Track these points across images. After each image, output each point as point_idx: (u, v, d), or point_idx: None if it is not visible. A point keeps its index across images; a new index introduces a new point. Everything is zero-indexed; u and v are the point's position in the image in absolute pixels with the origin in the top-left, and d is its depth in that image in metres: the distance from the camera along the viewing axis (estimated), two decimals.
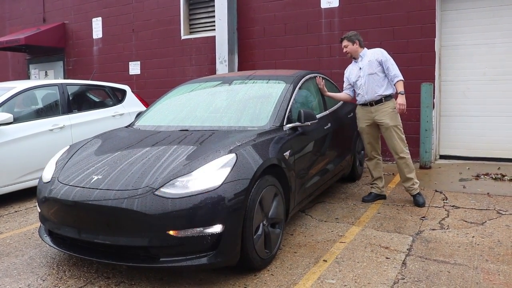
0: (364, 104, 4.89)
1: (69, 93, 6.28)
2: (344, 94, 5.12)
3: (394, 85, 4.74)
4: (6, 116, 5.20)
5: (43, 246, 3.88)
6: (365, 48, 4.93)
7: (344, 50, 4.93)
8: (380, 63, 4.75)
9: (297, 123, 4.00)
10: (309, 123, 4.00)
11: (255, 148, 3.35)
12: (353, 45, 4.86)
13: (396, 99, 4.69)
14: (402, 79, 4.73)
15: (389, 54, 4.86)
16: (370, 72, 4.76)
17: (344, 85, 5.11)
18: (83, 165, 3.44)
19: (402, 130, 4.82)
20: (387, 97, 4.78)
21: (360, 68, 4.85)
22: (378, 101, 4.78)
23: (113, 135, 4.15)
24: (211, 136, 3.63)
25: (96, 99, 7.04)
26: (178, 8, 9.45)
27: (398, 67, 4.77)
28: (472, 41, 6.94)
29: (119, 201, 2.90)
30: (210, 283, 3.09)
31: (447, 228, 4.08)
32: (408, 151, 4.83)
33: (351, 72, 5.00)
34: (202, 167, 3.04)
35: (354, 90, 5.01)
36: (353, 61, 5.01)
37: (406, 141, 4.84)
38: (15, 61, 12.64)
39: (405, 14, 7.12)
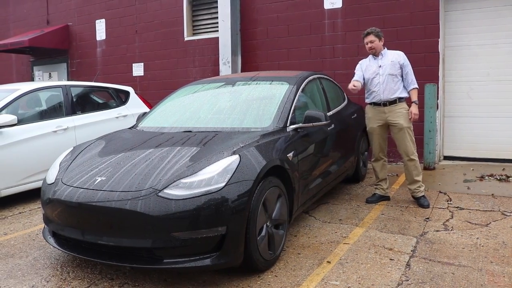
0: (377, 104, 4.84)
1: (73, 95, 6.29)
2: (357, 82, 4.84)
3: (409, 91, 4.76)
4: (10, 118, 5.21)
5: (47, 248, 3.89)
6: (385, 47, 4.88)
7: (369, 46, 4.79)
8: (401, 66, 4.74)
9: (300, 124, 3.99)
10: (312, 124, 3.98)
11: (259, 149, 3.35)
12: (379, 41, 4.79)
13: (408, 105, 4.70)
14: (417, 87, 4.77)
15: None
16: (391, 72, 4.72)
17: (355, 76, 4.91)
18: (86, 167, 3.45)
19: (413, 131, 4.81)
20: (401, 99, 4.77)
21: (380, 66, 4.78)
22: (392, 102, 4.75)
23: (117, 137, 4.16)
24: (214, 137, 3.63)
25: (100, 101, 7.06)
26: (181, 10, 9.46)
27: None
28: (476, 41, 6.92)
29: (122, 203, 2.91)
30: (213, 284, 3.09)
31: (451, 230, 4.06)
32: (417, 154, 4.82)
33: (368, 68, 4.88)
34: (206, 168, 3.04)
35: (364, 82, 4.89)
36: (370, 57, 4.92)
37: (415, 144, 4.82)
38: (19, 63, 12.69)
39: (409, 15, 7.11)
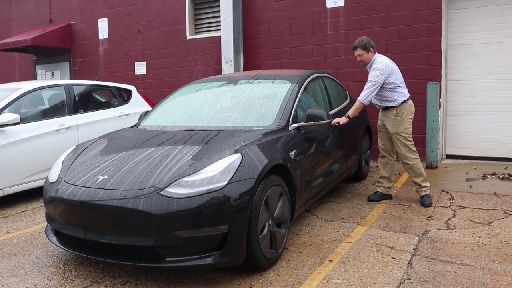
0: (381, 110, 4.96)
1: (75, 94, 6.30)
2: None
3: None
4: (13, 116, 5.23)
5: (49, 246, 3.90)
6: (376, 53, 4.79)
7: (358, 59, 4.79)
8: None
9: (302, 123, 3.99)
10: (313, 122, 3.98)
11: (261, 148, 3.35)
12: (368, 53, 4.72)
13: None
14: (363, 103, 4.60)
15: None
16: None
17: None
18: (89, 165, 3.46)
19: (407, 137, 4.74)
20: (392, 107, 4.74)
21: (367, 79, 4.81)
22: (384, 108, 4.83)
23: (119, 135, 4.16)
24: (216, 136, 3.63)
25: (102, 100, 7.07)
26: (184, 8, 9.46)
27: (403, 67, 4.70)
28: (479, 40, 6.90)
29: (124, 201, 2.91)
30: (215, 282, 3.09)
31: (454, 228, 4.06)
32: (415, 157, 4.77)
33: None
34: (208, 167, 3.04)
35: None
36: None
37: (412, 147, 4.77)
38: (22, 62, 12.72)
39: (411, 14, 7.09)
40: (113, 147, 3.79)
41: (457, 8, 7.02)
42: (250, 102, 4.29)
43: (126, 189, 2.99)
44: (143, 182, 3.02)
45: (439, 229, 4.04)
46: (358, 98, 4.65)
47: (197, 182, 2.94)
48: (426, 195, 4.84)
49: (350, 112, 4.66)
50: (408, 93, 4.81)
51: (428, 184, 4.88)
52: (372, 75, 4.63)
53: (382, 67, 4.62)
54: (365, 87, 4.64)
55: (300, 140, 3.91)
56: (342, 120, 4.61)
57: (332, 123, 4.57)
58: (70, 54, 11.47)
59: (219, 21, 8.82)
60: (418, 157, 4.83)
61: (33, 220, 4.79)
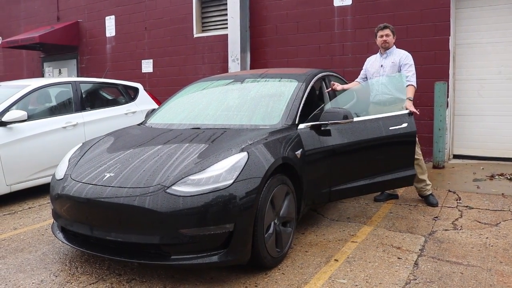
0: (377, 103, 4.84)
1: (82, 91, 6.33)
2: (355, 83, 5.11)
3: (406, 87, 4.63)
4: (20, 113, 5.25)
5: (56, 243, 3.92)
6: (394, 46, 4.87)
7: (384, 39, 4.79)
8: (400, 66, 4.69)
9: (309, 123, 3.95)
10: (327, 122, 3.92)
11: (267, 146, 3.34)
12: (393, 38, 4.82)
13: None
14: (415, 85, 4.63)
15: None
16: (390, 74, 4.71)
17: (360, 75, 5.11)
18: (95, 163, 3.47)
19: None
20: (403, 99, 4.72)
21: (382, 66, 4.80)
22: (391, 102, 4.75)
23: (125, 133, 4.17)
24: (223, 134, 3.63)
25: (109, 97, 7.10)
26: (191, 6, 9.47)
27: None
28: (487, 39, 6.85)
29: (131, 199, 2.92)
30: (221, 281, 3.09)
31: (460, 229, 4.03)
32: (420, 153, 4.77)
33: (372, 65, 4.94)
34: (214, 165, 3.04)
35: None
36: (378, 54, 4.93)
37: (418, 142, 4.77)
38: (30, 59, 12.79)
39: (419, 12, 7.05)
40: (119, 144, 3.80)
41: (466, 7, 6.96)
42: (256, 101, 4.28)
43: (132, 186, 3.00)
44: (149, 180, 3.02)
45: (446, 230, 4.02)
46: (411, 83, 4.61)
47: (203, 181, 2.94)
48: (431, 194, 4.82)
49: (411, 96, 4.54)
50: None
51: (430, 182, 4.87)
52: (407, 60, 4.70)
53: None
54: (408, 72, 4.64)
55: (307, 139, 3.86)
56: (413, 108, 4.43)
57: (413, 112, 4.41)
58: (77, 52, 11.53)
59: (226, 19, 8.83)
60: None
61: (40, 217, 4.82)
